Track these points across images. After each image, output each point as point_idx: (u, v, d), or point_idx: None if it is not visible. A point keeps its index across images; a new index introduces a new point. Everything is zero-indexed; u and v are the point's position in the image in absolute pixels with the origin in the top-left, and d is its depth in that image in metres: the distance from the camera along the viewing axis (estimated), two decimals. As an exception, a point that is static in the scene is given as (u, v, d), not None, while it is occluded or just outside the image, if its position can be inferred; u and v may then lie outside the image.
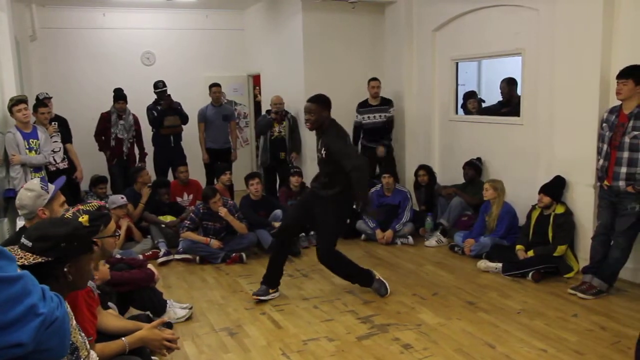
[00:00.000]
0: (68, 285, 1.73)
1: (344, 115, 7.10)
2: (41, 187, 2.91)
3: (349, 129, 7.21)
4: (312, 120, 4.34)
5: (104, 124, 7.11)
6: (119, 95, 7.09)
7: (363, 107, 7.08)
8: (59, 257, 1.69)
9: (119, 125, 7.07)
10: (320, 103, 4.35)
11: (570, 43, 4.94)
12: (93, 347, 2.30)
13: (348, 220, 6.37)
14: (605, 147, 4.38)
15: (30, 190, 2.89)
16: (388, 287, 4.56)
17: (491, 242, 5.39)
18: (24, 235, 1.73)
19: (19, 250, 1.68)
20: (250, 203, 6.13)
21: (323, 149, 4.34)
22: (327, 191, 4.36)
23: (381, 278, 4.61)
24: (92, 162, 7.30)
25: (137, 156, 7.38)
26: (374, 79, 7.00)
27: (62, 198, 3.02)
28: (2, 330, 1.22)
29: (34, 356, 1.32)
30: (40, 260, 1.65)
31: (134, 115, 7.26)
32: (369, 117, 7.02)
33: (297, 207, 4.79)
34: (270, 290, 4.56)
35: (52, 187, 2.96)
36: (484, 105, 7.20)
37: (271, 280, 4.58)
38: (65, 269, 1.72)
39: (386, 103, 7.05)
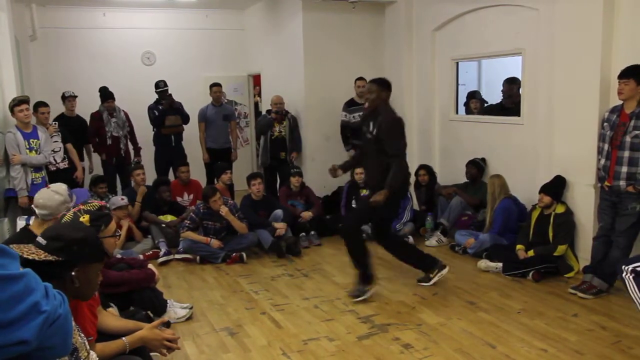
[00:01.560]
0: (74, 291, 1.74)
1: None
2: (68, 194, 2.98)
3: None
4: (371, 99, 4.47)
5: (97, 123, 7.07)
6: (108, 94, 7.07)
7: (351, 105, 7.10)
8: (68, 258, 1.72)
9: (112, 124, 7.05)
10: (380, 84, 4.50)
11: (571, 43, 4.95)
12: (93, 347, 2.30)
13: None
14: (606, 146, 4.38)
15: (58, 194, 2.95)
16: (363, 297, 4.41)
17: (490, 240, 5.40)
18: (40, 234, 1.76)
19: (32, 246, 1.72)
20: (250, 203, 6.13)
21: (375, 129, 4.40)
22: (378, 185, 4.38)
23: (370, 291, 4.46)
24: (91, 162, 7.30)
25: (132, 152, 7.38)
26: (361, 78, 7.01)
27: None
28: (6, 328, 1.23)
29: (37, 354, 1.32)
30: (50, 258, 1.68)
31: (124, 111, 7.25)
32: (359, 115, 7.05)
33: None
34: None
35: (74, 197, 3.04)
36: (486, 105, 7.20)
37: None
38: (73, 273, 1.73)
39: None
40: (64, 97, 6.94)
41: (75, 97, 6.95)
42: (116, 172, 7.25)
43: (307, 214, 6.37)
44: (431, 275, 4.71)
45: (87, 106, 7.50)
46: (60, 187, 3.05)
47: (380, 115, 4.41)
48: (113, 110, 7.09)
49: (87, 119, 7.18)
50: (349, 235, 4.52)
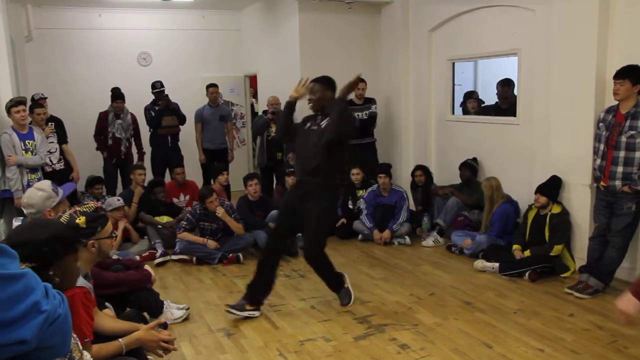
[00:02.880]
0: (55, 287, 1.72)
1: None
2: (52, 189, 2.93)
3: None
4: (315, 99, 4.18)
5: (102, 123, 7.12)
6: (117, 95, 7.10)
7: (349, 105, 7.08)
8: (42, 262, 1.65)
9: (116, 125, 7.07)
10: (323, 83, 4.20)
11: (566, 43, 4.96)
12: (90, 348, 2.29)
13: (343, 221, 6.41)
14: (602, 146, 4.39)
15: (41, 190, 2.90)
16: (352, 296, 4.36)
17: (487, 241, 5.41)
18: (5, 240, 1.68)
19: None
20: (247, 203, 6.13)
21: (323, 124, 4.09)
22: (315, 180, 4.05)
23: (349, 287, 4.40)
24: (88, 163, 7.29)
25: (136, 155, 7.38)
26: (360, 80, 6.99)
27: (68, 204, 3.02)
28: (6, 327, 1.24)
29: (36, 354, 1.33)
30: (23, 267, 1.58)
31: (132, 114, 7.26)
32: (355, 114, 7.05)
33: (282, 210, 4.45)
34: (248, 307, 4.12)
35: (61, 191, 2.98)
36: (482, 105, 7.21)
37: (253, 295, 4.16)
38: (51, 273, 1.69)
39: (369, 101, 7.09)
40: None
41: (45, 98, 6.85)
42: (117, 172, 7.26)
43: None
44: (345, 285, 4.38)
45: (84, 107, 7.52)
46: (44, 183, 3.02)
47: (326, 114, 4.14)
48: (121, 111, 7.11)
49: (80, 120, 7.17)
50: (318, 262, 4.22)
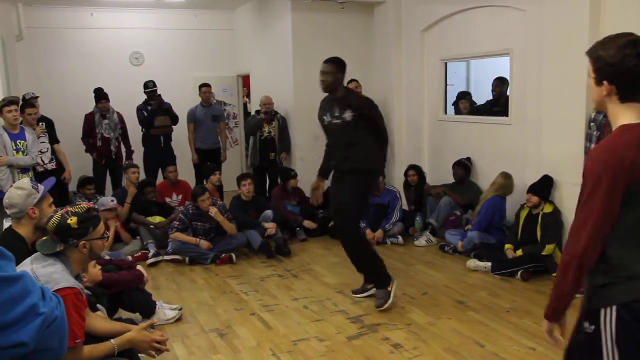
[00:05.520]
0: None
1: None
2: (32, 186, 2.88)
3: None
4: (327, 81, 4.26)
5: (89, 125, 7.06)
6: (101, 95, 7.05)
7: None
8: None
9: (103, 125, 7.03)
10: (337, 64, 4.29)
11: (558, 43, 4.98)
12: (81, 349, 2.28)
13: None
14: (593, 146, 4.42)
15: (21, 189, 2.85)
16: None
17: (478, 237, 5.41)
18: None
19: None
20: (240, 204, 6.12)
21: (348, 111, 4.20)
22: (352, 164, 4.24)
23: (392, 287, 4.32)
24: (79, 163, 7.25)
25: (125, 154, 7.35)
26: (353, 80, 7.01)
27: (51, 199, 2.99)
28: (4, 330, 1.23)
29: (34, 356, 1.32)
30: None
31: (118, 113, 7.21)
32: None
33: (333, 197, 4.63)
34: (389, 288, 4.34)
35: (42, 187, 2.93)
36: (475, 105, 7.23)
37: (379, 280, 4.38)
38: None
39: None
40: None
41: (37, 97, 6.79)
42: (106, 173, 7.22)
43: (310, 224, 6.47)
44: (389, 289, 4.30)
45: (76, 107, 7.47)
46: (23, 182, 2.96)
47: (349, 99, 4.28)
48: (107, 111, 7.06)
49: (72, 119, 7.13)
50: (357, 248, 4.33)
